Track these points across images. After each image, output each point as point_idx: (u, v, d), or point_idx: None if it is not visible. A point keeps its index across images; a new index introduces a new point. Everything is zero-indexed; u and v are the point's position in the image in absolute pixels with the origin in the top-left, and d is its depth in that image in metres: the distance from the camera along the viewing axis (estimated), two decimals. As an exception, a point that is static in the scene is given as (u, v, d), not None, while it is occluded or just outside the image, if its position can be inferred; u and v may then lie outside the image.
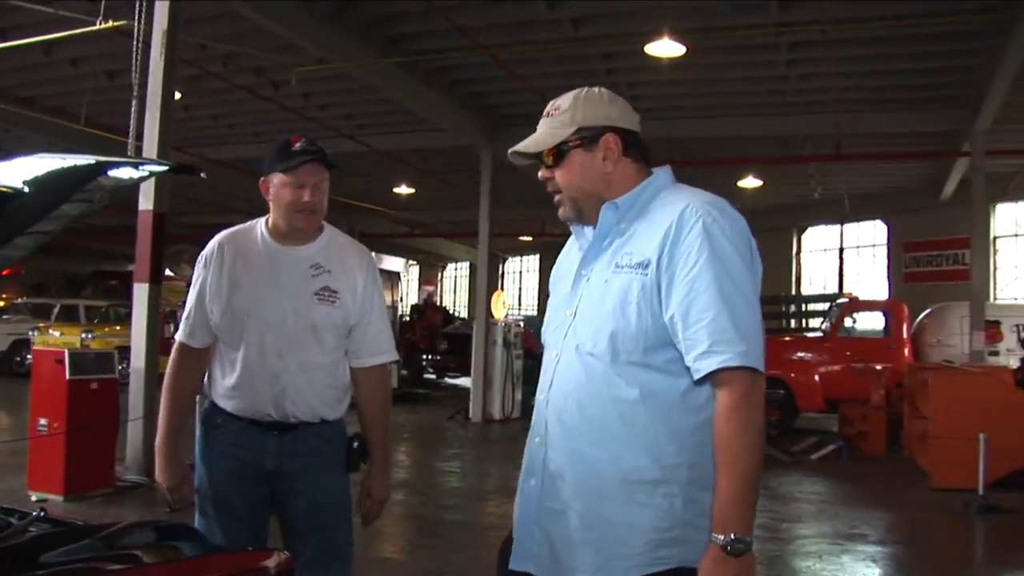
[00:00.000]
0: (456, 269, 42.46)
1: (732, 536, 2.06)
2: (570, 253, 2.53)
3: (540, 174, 2.43)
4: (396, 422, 14.79)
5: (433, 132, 16.11)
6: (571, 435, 2.28)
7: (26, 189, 2.24)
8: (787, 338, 17.17)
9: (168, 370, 3.29)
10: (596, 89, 2.41)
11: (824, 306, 20.21)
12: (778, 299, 22.68)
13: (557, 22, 11.14)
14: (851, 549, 7.26)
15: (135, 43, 8.57)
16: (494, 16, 11.08)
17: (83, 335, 18.73)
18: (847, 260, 25.49)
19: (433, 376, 24.26)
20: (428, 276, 42.04)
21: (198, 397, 3.41)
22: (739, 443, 2.09)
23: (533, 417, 2.44)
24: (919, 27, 10.73)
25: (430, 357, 23.91)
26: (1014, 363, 12.52)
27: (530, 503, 2.38)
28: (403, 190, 22.19)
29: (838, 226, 25.30)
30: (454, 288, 43.01)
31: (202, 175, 2.43)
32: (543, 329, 2.52)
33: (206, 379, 3.33)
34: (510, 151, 2.47)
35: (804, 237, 26.72)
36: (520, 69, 12.55)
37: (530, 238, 28.69)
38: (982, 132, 13.71)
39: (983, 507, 8.57)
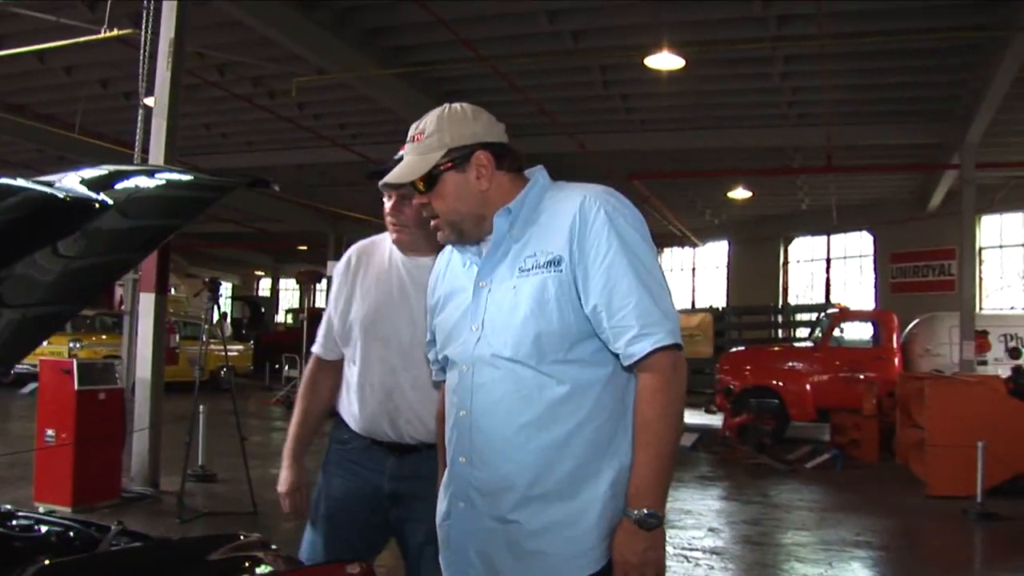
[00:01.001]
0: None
1: (645, 511, 2.10)
2: (450, 269, 2.48)
3: (414, 200, 2.41)
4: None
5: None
6: (504, 448, 2.23)
7: (109, 202, 2.23)
8: (776, 348, 17.27)
9: (304, 380, 3.27)
10: (458, 106, 2.34)
11: (812, 316, 20.33)
12: (766, 309, 22.81)
13: (558, 34, 11.24)
14: (859, 556, 7.32)
15: (142, 52, 8.56)
16: (497, 29, 11.15)
17: (71, 344, 18.56)
18: (834, 270, 25.69)
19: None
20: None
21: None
22: (661, 423, 2.14)
23: (448, 436, 2.39)
24: (912, 42, 10.90)
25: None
26: (1005, 372, 12.65)
27: (462, 525, 2.32)
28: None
29: (825, 237, 25.49)
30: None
31: (276, 187, 2.42)
32: (438, 348, 2.47)
33: (339, 395, 3.24)
34: (380, 183, 2.46)
35: (791, 248, 26.91)
36: (520, 81, 12.62)
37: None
38: (973, 145, 13.90)
39: (982, 514, 8.64)
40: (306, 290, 32.08)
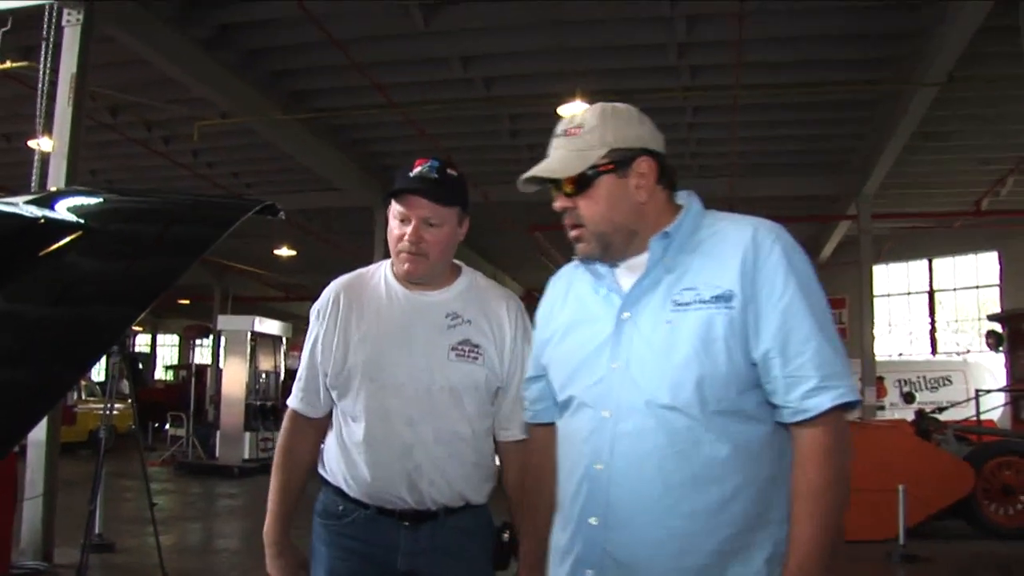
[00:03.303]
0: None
1: None
2: (572, 296, 2.17)
3: (556, 204, 2.07)
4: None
5: (326, 192, 15.75)
6: (651, 509, 1.90)
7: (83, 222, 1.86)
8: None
9: (279, 443, 2.74)
10: (621, 105, 2.06)
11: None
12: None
13: (470, 81, 11.09)
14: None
15: (40, 87, 8.01)
16: (408, 74, 10.92)
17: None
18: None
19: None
20: (296, 342, 40.99)
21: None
22: (832, 492, 1.84)
23: (574, 492, 2.03)
24: (819, 95, 11.11)
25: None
26: (899, 415, 12.93)
27: None
28: (284, 252, 21.61)
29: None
30: (322, 353, 41.97)
31: (281, 215, 2.05)
32: (558, 387, 2.13)
33: (320, 455, 2.74)
34: (523, 176, 2.08)
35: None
36: (430, 129, 12.40)
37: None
38: (869, 196, 14.28)
39: (905, 556, 8.69)
40: (190, 346, 31.01)
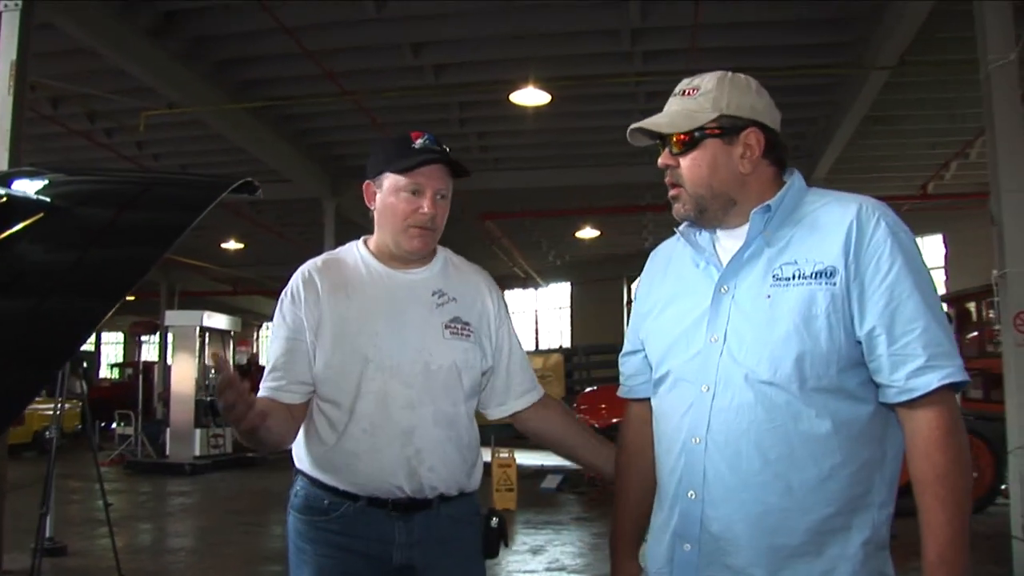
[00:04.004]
0: (271, 329, 41.03)
1: None
2: (672, 269, 2.17)
3: (661, 160, 2.10)
4: (243, 489, 13.97)
5: (276, 183, 15.46)
6: (748, 485, 1.88)
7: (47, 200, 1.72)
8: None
9: None
10: (741, 75, 2.08)
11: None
12: (615, 348, 22.95)
13: (420, 68, 10.94)
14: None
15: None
16: (359, 62, 10.74)
17: None
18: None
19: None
20: (242, 336, 40.57)
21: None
22: (957, 471, 1.81)
23: (671, 467, 2.02)
24: (766, 79, 11.10)
25: (257, 419, 22.93)
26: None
27: (687, 573, 1.97)
28: (232, 245, 21.27)
29: (666, 275, 25.96)
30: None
31: (259, 193, 1.94)
32: (655, 361, 2.11)
33: (296, 447, 2.59)
34: (632, 126, 2.12)
35: (634, 286, 27.26)
36: (380, 117, 12.24)
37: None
38: (819, 181, 14.36)
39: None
40: (136, 343, 30.51)
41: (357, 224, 17.27)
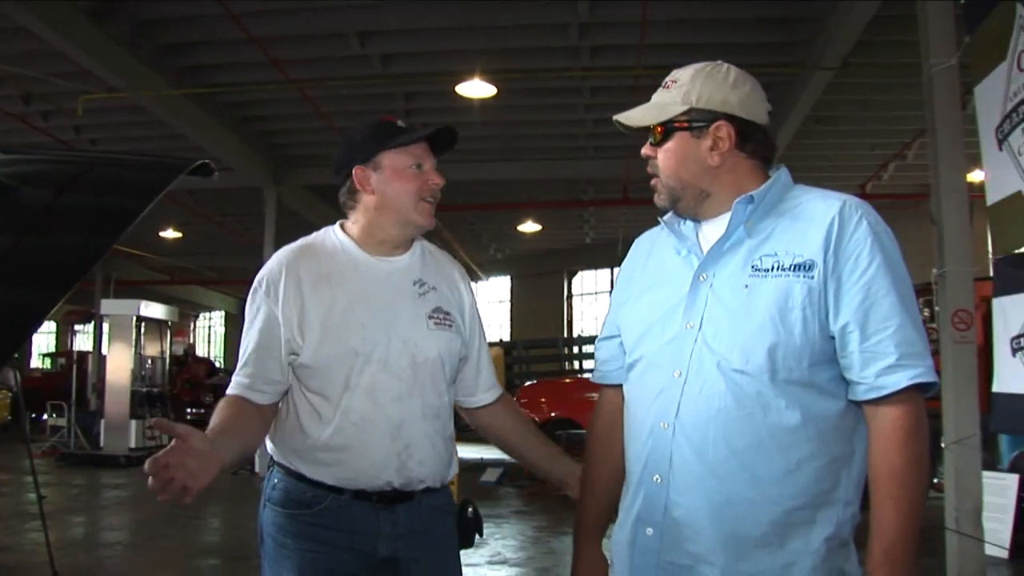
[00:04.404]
0: (208, 319, 40.54)
1: None
2: (654, 256, 2.17)
3: (643, 151, 2.13)
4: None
5: (217, 171, 15.23)
6: (714, 473, 1.88)
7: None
8: (570, 380, 17.38)
9: (218, 410, 2.37)
10: (723, 66, 2.08)
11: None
12: (555, 342, 23.03)
13: (367, 58, 10.83)
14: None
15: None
16: (304, 50, 10.60)
17: None
18: (617, 303, 26.37)
19: (194, 430, 22.81)
20: (179, 327, 39.96)
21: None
22: (914, 473, 1.83)
23: (639, 451, 2.02)
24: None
25: (193, 411, 22.68)
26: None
27: (648, 558, 1.98)
28: (170, 234, 20.90)
29: (609, 270, 26.11)
30: (208, 338, 40.99)
31: (215, 176, 1.90)
32: (630, 346, 2.11)
33: (276, 441, 2.51)
34: (614, 117, 2.14)
35: (575, 281, 27.42)
36: (325, 106, 12.10)
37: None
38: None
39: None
40: (69, 332, 29.87)
41: (298, 215, 17.12)
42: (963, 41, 5.15)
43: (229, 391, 2.42)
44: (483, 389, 2.71)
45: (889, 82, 10.90)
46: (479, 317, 2.71)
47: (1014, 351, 4.26)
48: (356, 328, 2.41)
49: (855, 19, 8.79)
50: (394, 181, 2.48)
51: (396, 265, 2.53)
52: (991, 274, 4.87)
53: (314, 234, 2.60)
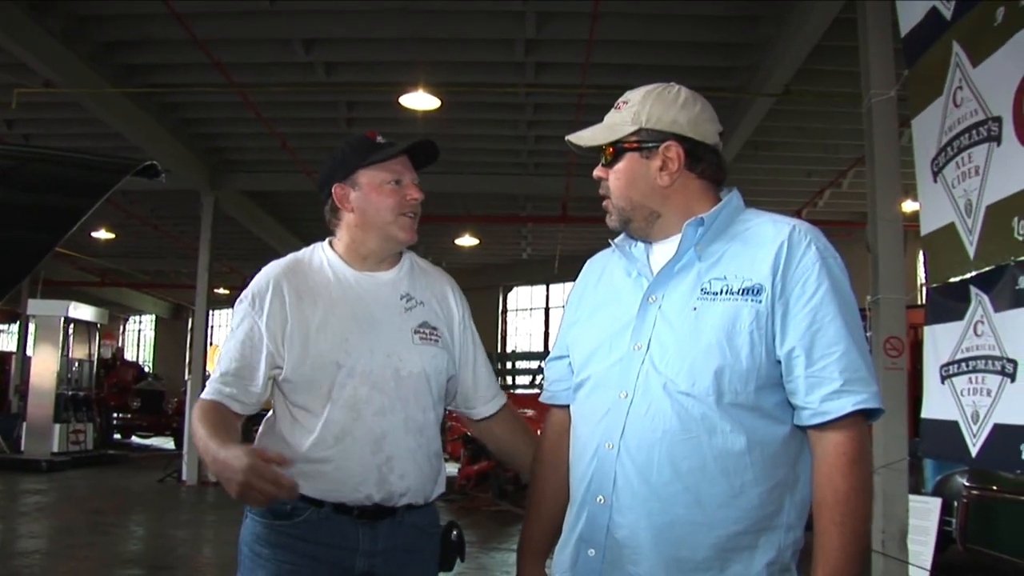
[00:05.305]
0: (138, 322, 39.81)
1: None
2: (605, 278, 2.19)
3: (595, 172, 2.15)
4: (103, 488, 13.47)
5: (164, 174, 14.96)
6: (657, 495, 1.89)
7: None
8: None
9: (197, 425, 2.29)
10: (674, 87, 2.10)
11: (534, 364, 20.89)
12: (489, 355, 22.98)
13: (311, 65, 10.74)
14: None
15: None
16: (247, 54, 10.46)
17: None
18: (553, 319, 26.42)
19: (119, 436, 22.39)
20: (108, 329, 39.17)
21: None
22: (858, 499, 1.85)
23: (583, 471, 2.02)
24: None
25: (120, 416, 22.24)
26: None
27: None
28: (103, 235, 20.46)
29: (544, 286, 26.16)
30: (137, 342, 40.21)
31: (163, 178, 1.88)
32: (577, 366, 2.12)
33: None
34: (567, 137, 2.18)
35: (510, 296, 27.42)
36: (266, 112, 11.95)
37: (227, 291, 27.36)
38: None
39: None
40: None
41: (235, 220, 16.91)
42: (902, 74, 5.25)
43: (207, 395, 2.41)
44: (482, 401, 2.72)
45: (828, 110, 11.10)
46: (473, 330, 2.72)
47: (943, 379, 4.33)
48: (339, 341, 2.44)
49: (799, 47, 8.93)
50: (372, 197, 2.51)
51: (382, 280, 2.57)
52: (920, 302, 4.96)
53: (303, 250, 2.64)
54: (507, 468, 13.07)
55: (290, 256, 2.63)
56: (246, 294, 2.53)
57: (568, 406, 2.19)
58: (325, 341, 2.44)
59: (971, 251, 4.03)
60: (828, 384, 1.85)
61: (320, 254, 2.60)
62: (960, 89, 4.14)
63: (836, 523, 1.83)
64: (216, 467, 2.10)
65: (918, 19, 4.64)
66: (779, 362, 1.90)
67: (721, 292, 1.93)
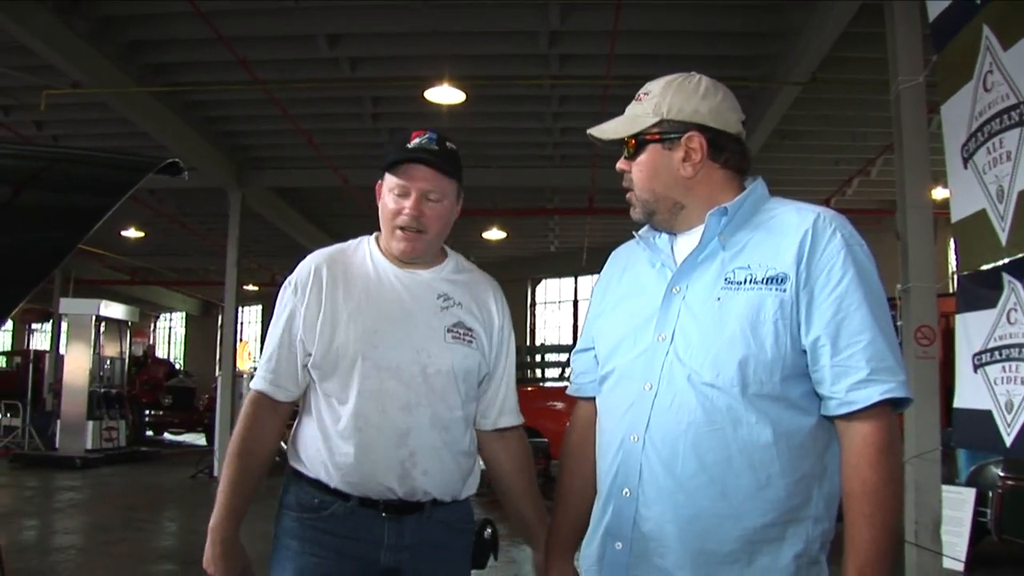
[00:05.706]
0: (169, 320, 40.12)
1: None
2: (630, 269, 2.17)
3: (618, 165, 2.12)
4: (137, 485, 13.58)
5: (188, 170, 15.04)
6: (683, 487, 1.87)
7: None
8: (532, 388, 17.36)
9: (239, 428, 2.48)
10: (695, 77, 2.08)
11: (563, 356, 20.83)
12: (518, 350, 22.99)
13: (336, 61, 10.76)
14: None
15: None
16: (272, 51, 10.49)
17: None
18: (581, 312, 26.39)
19: (151, 433, 22.62)
20: (139, 327, 39.46)
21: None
22: (887, 490, 1.81)
23: (609, 464, 2.00)
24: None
25: (152, 412, 22.48)
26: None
27: (616, 572, 1.96)
28: (132, 233, 20.61)
29: (572, 279, 26.12)
30: (168, 339, 40.53)
31: (185, 175, 1.89)
32: (602, 358, 2.11)
33: (290, 444, 2.56)
34: (589, 131, 2.15)
35: (539, 289, 27.42)
36: (292, 109, 11.99)
37: (256, 288, 27.51)
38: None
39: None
40: (26, 331, 29.46)
41: (261, 217, 16.97)
42: (931, 60, 5.18)
43: (253, 385, 2.51)
44: (507, 411, 2.65)
45: (855, 98, 10.99)
46: (510, 342, 2.67)
47: (975, 367, 4.28)
48: (366, 334, 2.44)
49: (826, 35, 8.84)
50: (382, 203, 2.54)
51: (420, 278, 2.55)
52: (951, 290, 4.90)
53: (350, 241, 2.65)
54: (537, 461, 13.04)
55: (336, 246, 2.65)
56: (290, 280, 2.56)
57: (595, 398, 2.18)
58: (353, 331, 2.44)
59: (1003, 238, 3.98)
60: (854, 373, 1.82)
61: (365, 247, 2.61)
62: (991, 73, 4.08)
63: (866, 515, 1.80)
64: (209, 532, 2.39)
65: (947, 3, 4.59)
66: (804, 352, 1.87)
67: (745, 281, 1.90)
